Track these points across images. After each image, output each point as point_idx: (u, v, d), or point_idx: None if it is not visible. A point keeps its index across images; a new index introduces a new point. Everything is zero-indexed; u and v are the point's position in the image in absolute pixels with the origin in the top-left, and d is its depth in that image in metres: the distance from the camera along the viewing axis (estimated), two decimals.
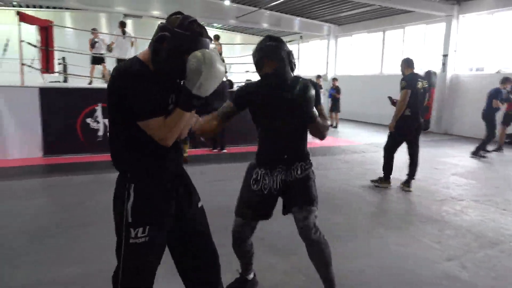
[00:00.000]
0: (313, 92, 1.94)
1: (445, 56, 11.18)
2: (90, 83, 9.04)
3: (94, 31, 9.70)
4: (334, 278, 2.18)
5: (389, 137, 5.14)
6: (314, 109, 1.99)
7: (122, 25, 9.45)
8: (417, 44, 12.66)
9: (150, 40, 1.56)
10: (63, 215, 3.82)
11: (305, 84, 1.92)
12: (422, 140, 9.73)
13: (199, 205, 1.82)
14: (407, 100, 4.77)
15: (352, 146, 8.56)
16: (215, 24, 17.75)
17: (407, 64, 5.09)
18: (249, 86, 2.19)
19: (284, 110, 2.04)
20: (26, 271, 2.67)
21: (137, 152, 1.61)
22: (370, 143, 8.99)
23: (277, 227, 3.25)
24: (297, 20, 14.60)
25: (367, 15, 13.54)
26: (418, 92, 4.86)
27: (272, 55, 1.99)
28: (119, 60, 8.67)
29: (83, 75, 9.24)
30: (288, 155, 2.18)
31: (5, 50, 6.54)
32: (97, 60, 9.60)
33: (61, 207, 4.09)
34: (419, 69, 12.12)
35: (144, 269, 1.67)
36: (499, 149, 7.99)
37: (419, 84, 4.87)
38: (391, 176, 5.14)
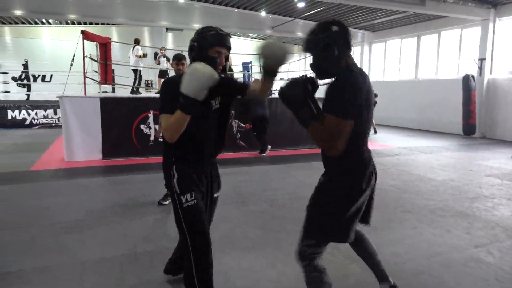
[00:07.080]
0: (296, 90, 1.81)
1: (481, 60, 11.18)
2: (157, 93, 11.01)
3: (162, 49, 11.85)
4: None
5: None
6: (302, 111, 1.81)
7: (136, 41, 11.18)
8: (452, 48, 12.66)
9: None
10: (128, 203, 4.45)
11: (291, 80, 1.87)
12: (460, 144, 9.86)
13: (216, 195, 2.29)
14: None
15: (387, 149, 8.79)
16: (250, 34, 18.41)
17: None
18: None
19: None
20: (91, 247, 3.24)
21: (178, 142, 1.96)
22: (404, 147, 9.19)
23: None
24: None
25: (401, 21, 13.70)
26: None
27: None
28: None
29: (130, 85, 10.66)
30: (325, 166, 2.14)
31: (71, 65, 7.36)
32: (162, 73, 11.70)
33: (126, 197, 4.72)
34: (455, 73, 12.18)
35: (203, 227, 2.03)
36: None
37: None
38: None
